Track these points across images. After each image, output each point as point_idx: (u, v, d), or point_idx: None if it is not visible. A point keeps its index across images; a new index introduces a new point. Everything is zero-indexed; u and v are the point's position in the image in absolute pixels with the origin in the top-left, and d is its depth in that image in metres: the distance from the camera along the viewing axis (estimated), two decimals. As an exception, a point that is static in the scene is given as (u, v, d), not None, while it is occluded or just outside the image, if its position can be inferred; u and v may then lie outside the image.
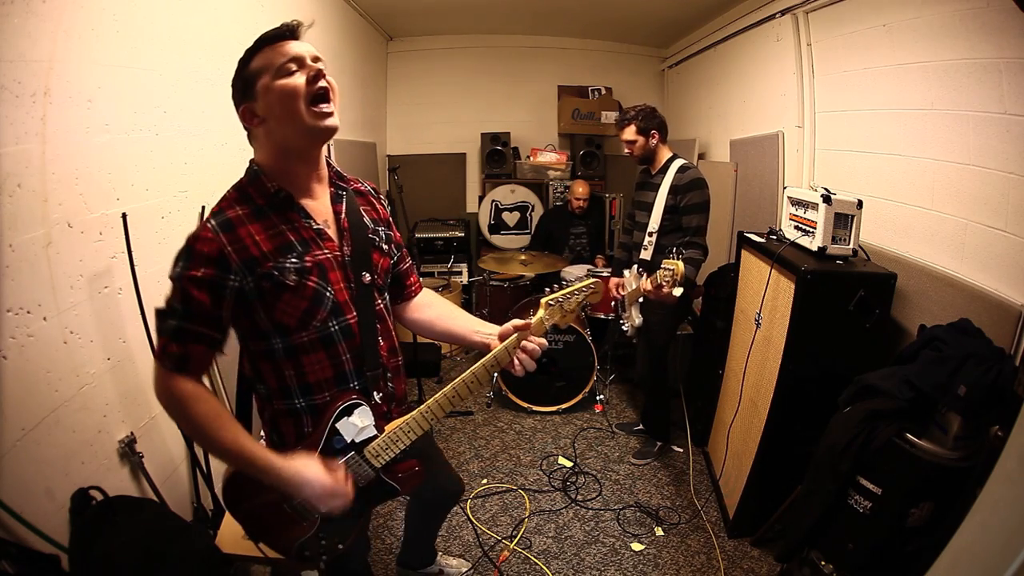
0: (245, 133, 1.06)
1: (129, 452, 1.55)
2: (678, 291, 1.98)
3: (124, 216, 1.51)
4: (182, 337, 0.96)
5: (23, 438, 1.22)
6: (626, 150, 2.45)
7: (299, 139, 0.99)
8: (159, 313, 0.98)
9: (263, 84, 0.95)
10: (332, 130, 0.99)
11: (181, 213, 1.79)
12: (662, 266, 2.00)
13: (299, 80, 0.94)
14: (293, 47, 0.96)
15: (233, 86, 1.01)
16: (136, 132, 1.59)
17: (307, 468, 1.00)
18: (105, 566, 1.28)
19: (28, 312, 1.25)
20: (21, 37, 1.20)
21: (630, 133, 2.38)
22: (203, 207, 1.86)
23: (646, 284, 2.15)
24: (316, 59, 0.98)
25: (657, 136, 2.39)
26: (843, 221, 1.79)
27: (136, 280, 1.56)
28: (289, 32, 0.98)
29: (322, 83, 0.96)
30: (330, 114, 0.98)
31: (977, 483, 0.90)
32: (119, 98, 1.51)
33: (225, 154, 1.96)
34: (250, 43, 1.00)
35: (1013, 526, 0.67)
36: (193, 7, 1.81)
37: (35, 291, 1.27)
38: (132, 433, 1.58)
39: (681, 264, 1.95)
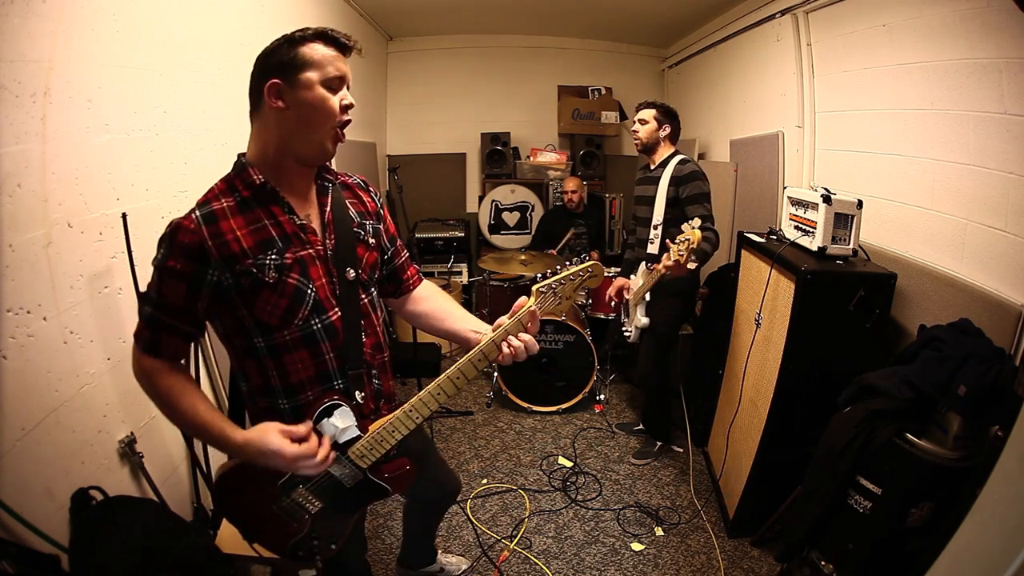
0: (247, 115, 1.02)
1: (129, 452, 1.55)
2: (692, 265, 1.94)
3: (124, 216, 1.51)
4: (155, 325, 0.99)
5: (23, 438, 1.23)
6: (633, 129, 2.46)
7: (304, 148, 1.00)
8: (140, 296, 1.02)
9: (308, 78, 0.95)
10: (331, 156, 1.03)
11: (181, 213, 1.77)
12: (676, 240, 1.94)
13: (337, 103, 0.98)
14: (345, 65, 1.00)
15: (270, 54, 0.96)
16: (136, 132, 1.59)
17: (265, 437, 0.96)
18: (105, 566, 1.28)
19: (28, 312, 1.25)
20: (21, 37, 1.20)
21: (646, 114, 2.40)
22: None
23: (665, 263, 2.03)
24: (349, 94, 1.02)
25: (668, 131, 2.40)
26: (843, 221, 1.79)
27: (136, 280, 1.55)
28: (346, 47, 1.00)
29: (350, 116, 1.01)
30: (341, 141, 1.02)
31: (977, 483, 0.90)
32: (119, 98, 1.51)
33: (225, 154, 1.94)
34: (250, 43, 1.01)
35: (1013, 526, 0.67)
36: (193, 7, 1.81)
37: (35, 291, 1.27)
38: (132, 433, 1.58)
39: (698, 232, 1.88)
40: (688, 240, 1.90)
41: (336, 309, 1.07)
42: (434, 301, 1.31)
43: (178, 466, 1.82)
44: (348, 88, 1.01)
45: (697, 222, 1.93)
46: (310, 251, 1.04)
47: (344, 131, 1.01)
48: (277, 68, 0.95)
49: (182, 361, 1.06)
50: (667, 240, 2.30)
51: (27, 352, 1.25)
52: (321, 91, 0.95)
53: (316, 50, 0.96)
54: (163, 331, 0.99)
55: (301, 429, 1.00)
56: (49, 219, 1.31)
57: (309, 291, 1.02)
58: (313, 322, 1.04)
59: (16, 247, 1.21)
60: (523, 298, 1.08)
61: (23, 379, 1.24)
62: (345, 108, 0.99)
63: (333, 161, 1.09)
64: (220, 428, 0.98)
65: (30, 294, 1.26)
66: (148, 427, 1.66)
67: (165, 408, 1.01)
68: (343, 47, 0.99)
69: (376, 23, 4.07)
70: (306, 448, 0.99)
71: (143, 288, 1.54)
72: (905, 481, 1.39)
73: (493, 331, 1.07)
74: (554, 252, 3.72)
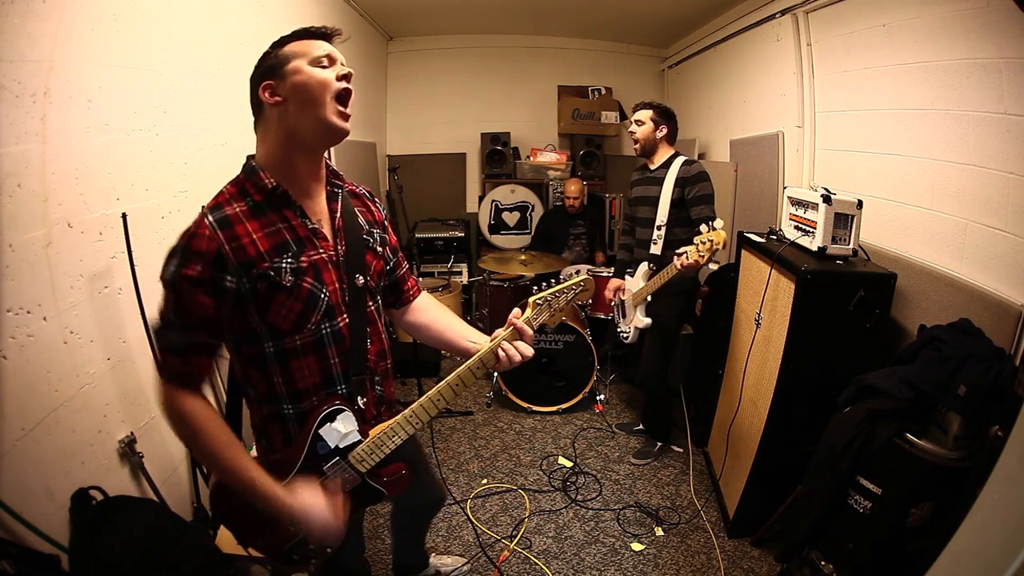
0: (252, 125, 1.04)
1: (129, 452, 1.55)
2: (715, 266, 1.95)
3: (124, 216, 1.51)
4: (185, 351, 0.94)
5: (23, 438, 1.23)
6: (630, 130, 2.47)
7: (312, 131, 0.98)
8: (157, 329, 0.95)
9: (294, 66, 0.96)
10: (344, 133, 1.01)
11: (181, 213, 1.78)
12: (695, 241, 1.96)
13: (330, 74, 0.97)
14: (332, 48, 1.01)
15: (258, 65, 1.00)
16: (136, 132, 1.59)
17: (313, 504, 1.01)
18: (105, 566, 1.28)
19: (28, 312, 1.25)
20: (21, 37, 1.20)
21: (644, 116, 2.41)
22: (203, 207, 1.86)
23: (683, 261, 2.01)
24: (344, 66, 1.02)
25: (666, 131, 2.41)
26: (843, 221, 1.79)
27: (136, 280, 1.56)
28: (325, 34, 1.01)
29: (349, 85, 1.00)
30: (348, 116, 1.00)
31: (977, 483, 0.90)
32: (119, 98, 1.51)
33: (225, 154, 1.96)
34: (250, 43, 1.02)
35: (1013, 526, 0.67)
36: (193, 7, 1.81)
37: (35, 291, 1.27)
38: (132, 433, 1.58)
39: (722, 233, 1.90)
40: (711, 241, 1.91)
41: (345, 315, 1.07)
42: (433, 313, 1.33)
43: (178, 466, 1.82)
44: (343, 66, 1.01)
45: (720, 223, 1.94)
46: (323, 256, 1.04)
47: (348, 104, 0.99)
48: (267, 72, 0.98)
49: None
50: (673, 239, 2.31)
51: (27, 352, 1.25)
52: (310, 69, 0.96)
53: (296, 45, 0.99)
54: (193, 353, 0.95)
55: (336, 497, 1.07)
56: (49, 219, 1.31)
57: (323, 295, 1.02)
58: (323, 327, 1.04)
59: (16, 247, 1.21)
60: (516, 310, 1.12)
61: (23, 379, 1.24)
62: (341, 77, 0.99)
63: (335, 160, 1.09)
64: (271, 488, 0.98)
65: (30, 294, 1.26)
66: (148, 427, 1.66)
67: (203, 456, 0.99)
68: (323, 36, 1.01)
69: (376, 23, 4.07)
70: (338, 517, 1.05)
71: (143, 287, 1.56)
72: (905, 481, 1.39)
73: (491, 341, 1.10)
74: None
